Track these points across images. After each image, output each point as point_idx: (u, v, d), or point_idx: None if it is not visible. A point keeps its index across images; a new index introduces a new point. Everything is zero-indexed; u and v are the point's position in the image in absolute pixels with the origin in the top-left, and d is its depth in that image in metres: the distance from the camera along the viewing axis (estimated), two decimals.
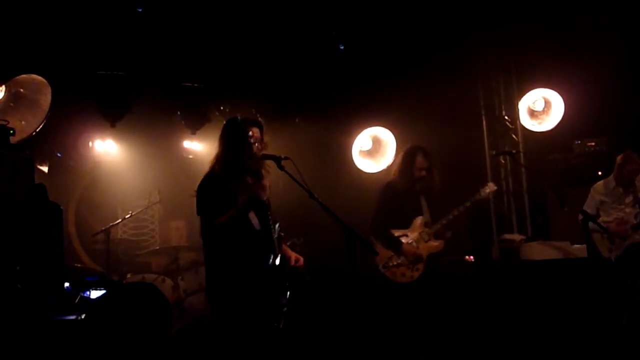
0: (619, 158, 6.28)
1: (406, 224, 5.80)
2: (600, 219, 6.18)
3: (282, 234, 4.04)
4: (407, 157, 5.85)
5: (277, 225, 3.96)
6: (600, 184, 6.40)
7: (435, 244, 5.75)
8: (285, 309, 3.96)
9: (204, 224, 3.97)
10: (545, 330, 6.34)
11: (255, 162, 3.99)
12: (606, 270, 6.12)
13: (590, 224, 5.81)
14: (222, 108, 8.08)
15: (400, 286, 5.64)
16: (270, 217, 3.84)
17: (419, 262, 5.65)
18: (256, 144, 4.01)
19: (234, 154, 3.97)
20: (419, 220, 5.78)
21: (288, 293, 4.03)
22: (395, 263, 5.65)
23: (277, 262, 3.91)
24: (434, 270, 5.72)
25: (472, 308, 6.74)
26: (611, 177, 6.32)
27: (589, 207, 6.28)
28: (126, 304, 5.47)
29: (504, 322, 6.61)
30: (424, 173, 5.76)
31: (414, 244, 5.68)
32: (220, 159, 4.04)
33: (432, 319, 5.64)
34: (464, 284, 6.86)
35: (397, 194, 5.78)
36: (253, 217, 3.95)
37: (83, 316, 5.38)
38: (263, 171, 4.02)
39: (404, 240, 5.68)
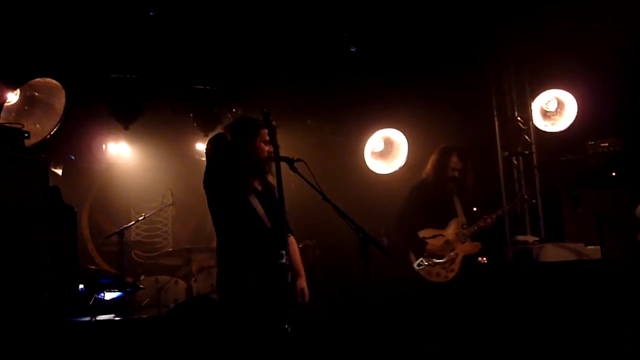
0: None
1: (441, 224, 5.82)
2: None
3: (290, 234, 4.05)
4: (441, 156, 5.91)
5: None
6: None
7: (471, 246, 5.77)
8: (294, 310, 3.94)
9: (213, 205, 3.99)
10: (558, 332, 6.30)
11: (265, 164, 4.01)
12: (622, 272, 6.05)
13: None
14: (234, 110, 8.10)
15: (423, 288, 5.69)
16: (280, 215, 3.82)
17: (454, 262, 5.68)
18: (260, 145, 4.03)
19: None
20: (455, 222, 5.81)
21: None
22: (430, 262, 5.67)
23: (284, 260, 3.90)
24: (469, 272, 5.76)
25: (485, 310, 6.71)
26: None
27: None
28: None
29: (517, 323, 6.58)
30: (456, 174, 5.80)
31: (450, 245, 5.71)
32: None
33: (444, 320, 5.63)
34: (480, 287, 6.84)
35: (429, 193, 5.82)
36: (264, 216, 3.96)
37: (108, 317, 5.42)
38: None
39: (438, 240, 5.71)
